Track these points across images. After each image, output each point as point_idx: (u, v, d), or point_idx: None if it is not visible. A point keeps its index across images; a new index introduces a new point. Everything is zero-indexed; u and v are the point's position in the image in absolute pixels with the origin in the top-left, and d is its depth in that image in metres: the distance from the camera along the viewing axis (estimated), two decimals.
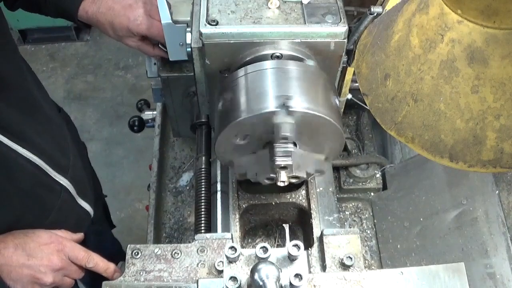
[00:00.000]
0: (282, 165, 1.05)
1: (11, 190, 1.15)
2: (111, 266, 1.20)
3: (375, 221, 1.57)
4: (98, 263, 1.20)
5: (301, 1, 1.11)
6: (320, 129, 1.04)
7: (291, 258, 0.92)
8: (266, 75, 1.04)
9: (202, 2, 1.12)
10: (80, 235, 1.29)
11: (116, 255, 1.25)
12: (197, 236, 1.11)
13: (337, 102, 1.08)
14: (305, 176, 1.10)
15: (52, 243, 1.18)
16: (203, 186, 1.32)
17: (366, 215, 1.60)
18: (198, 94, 1.26)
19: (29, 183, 1.19)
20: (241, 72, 1.07)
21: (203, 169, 1.35)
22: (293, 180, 1.11)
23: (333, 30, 1.08)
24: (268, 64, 1.06)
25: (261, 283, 0.84)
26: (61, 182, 1.30)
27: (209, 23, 1.07)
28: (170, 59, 1.33)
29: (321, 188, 1.36)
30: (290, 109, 0.98)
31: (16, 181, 1.16)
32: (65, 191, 1.32)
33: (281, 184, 1.09)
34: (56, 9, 1.41)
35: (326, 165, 1.15)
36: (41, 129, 1.24)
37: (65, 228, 1.26)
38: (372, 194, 1.60)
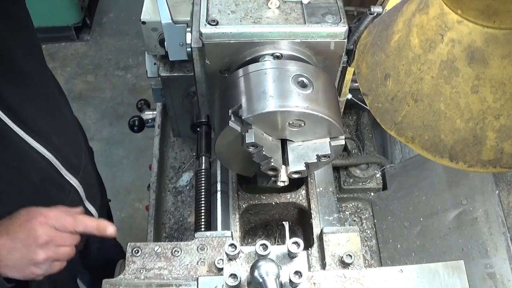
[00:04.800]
0: (267, 168, 1.05)
1: (20, 182, 1.15)
2: (100, 222, 1.15)
3: (375, 221, 1.57)
4: (87, 224, 1.14)
5: (301, 1, 1.12)
6: (301, 120, 1.03)
7: (290, 256, 0.92)
8: (266, 75, 1.04)
9: (202, 2, 1.12)
10: (79, 209, 1.22)
11: (118, 259, 1.23)
12: (197, 234, 1.11)
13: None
14: (304, 168, 1.08)
15: (33, 218, 1.11)
16: (203, 185, 1.32)
17: (366, 215, 1.60)
18: (198, 94, 1.26)
19: (39, 178, 1.18)
20: (241, 72, 1.07)
21: (203, 169, 1.35)
22: (295, 176, 1.10)
23: (333, 30, 1.08)
24: (268, 64, 1.06)
25: (260, 280, 0.84)
26: (71, 182, 1.29)
27: (209, 23, 1.07)
28: (170, 59, 1.33)
29: (321, 188, 1.36)
30: (242, 118, 0.99)
31: (26, 173, 1.15)
32: (74, 192, 1.31)
33: (282, 184, 1.09)
34: None
35: (335, 144, 1.10)
36: (57, 128, 1.24)
37: None
38: (372, 194, 1.61)
